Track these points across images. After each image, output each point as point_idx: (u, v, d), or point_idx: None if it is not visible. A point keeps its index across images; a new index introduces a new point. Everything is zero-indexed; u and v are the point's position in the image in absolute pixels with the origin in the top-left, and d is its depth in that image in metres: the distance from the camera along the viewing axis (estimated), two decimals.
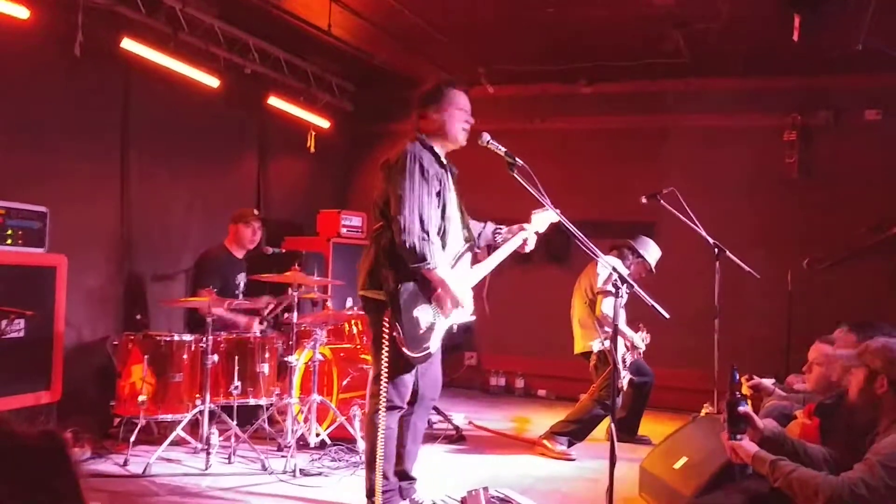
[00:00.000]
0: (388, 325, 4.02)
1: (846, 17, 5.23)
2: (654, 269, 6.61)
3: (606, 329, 6.26)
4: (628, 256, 6.55)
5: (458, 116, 4.32)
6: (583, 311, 6.59)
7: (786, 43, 5.75)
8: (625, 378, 6.33)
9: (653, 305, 3.82)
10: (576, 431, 6.25)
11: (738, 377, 3.43)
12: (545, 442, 6.23)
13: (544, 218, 4.56)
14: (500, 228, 4.62)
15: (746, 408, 3.39)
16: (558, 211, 4.18)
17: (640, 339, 6.50)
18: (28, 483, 1.25)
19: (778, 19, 5.69)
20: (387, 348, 4.04)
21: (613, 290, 3.75)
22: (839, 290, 7.79)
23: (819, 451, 3.49)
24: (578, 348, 6.65)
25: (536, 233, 4.61)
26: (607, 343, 6.26)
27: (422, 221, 4.03)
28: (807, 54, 7.21)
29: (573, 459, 6.07)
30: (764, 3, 5.73)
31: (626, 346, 6.41)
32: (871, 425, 3.26)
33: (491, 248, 4.60)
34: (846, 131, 8.24)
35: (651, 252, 6.60)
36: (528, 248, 4.59)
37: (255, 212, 6.90)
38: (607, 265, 4.15)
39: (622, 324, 6.34)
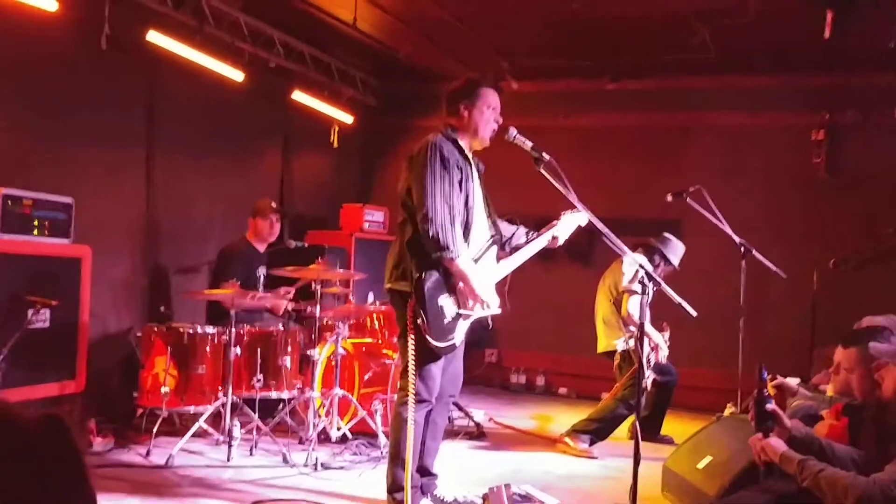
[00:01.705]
0: (412, 314, 4.01)
1: (880, 13, 5.16)
2: (677, 267, 6.55)
3: (631, 328, 6.21)
4: (654, 258, 6.49)
5: (488, 115, 4.32)
6: (607, 309, 6.54)
7: (814, 40, 5.70)
8: (649, 378, 6.28)
9: (680, 303, 3.79)
10: (598, 430, 6.21)
11: (765, 375, 3.39)
12: (567, 440, 6.20)
13: (573, 220, 4.55)
14: (532, 232, 4.61)
15: (773, 406, 3.35)
16: (584, 206, 4.15)
17: (663, 339, 6.46)
18: (29, 470, 1.23)
19: (807, 16, 5.63)
20: (413, 338, 4.03)
21: (640, 289, 3.72)
22: (865, 290, 7.68)
23: (847, 451, 3.44)
24: (602, 347, 6.60)
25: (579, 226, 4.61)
26: (632, 342, 6.22)
27: (444, 211, 4.03)
28: (836, 52, 7.14)
29: (595, 458, 6.04)
30: None
31: (650, 345, 6.36)
32: None
33: (519, 248, 4.57)
34: (875, 131, 8.13)
35: (676, 251, 6.55)
36: (559, 243, 4.58)
37: (273, 204, 6.89)
38: (634, 262, 4.12)
39: (647, 324, 6.29)
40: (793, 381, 4.97)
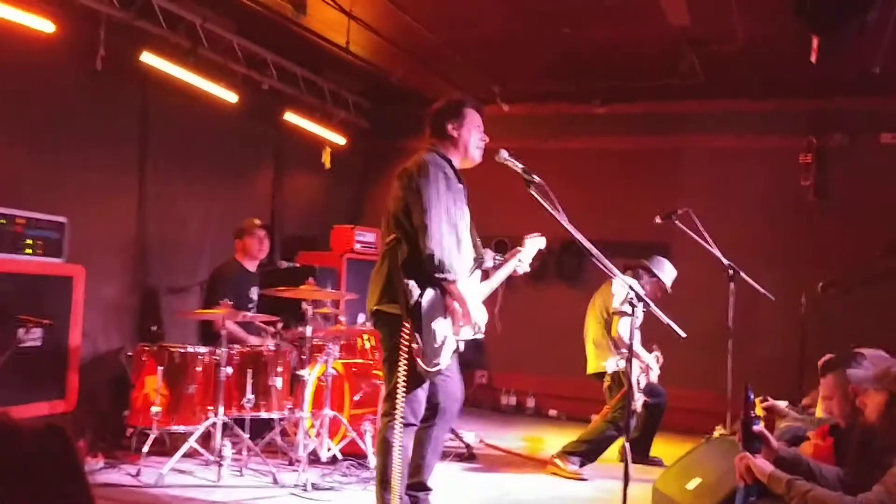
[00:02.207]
0: (407, 336, 3.99)
1: (865, 39, 5.24)
2: (669, 290, 6.59)
3: (622, 350, 6.24)
4: (643, 276, 6.54)
5: (475, 134, 4.38)
6: (597, 331, 6.56)
7: (802, 65, 5.77)
8: (639, 400, 6.31)
9: (669, 324, 3.82)
10: (588, 452, 6.22)
11: (752, 396, 3.43)
12: (557, 461, 6.21)
13: (535, 244, 4.62)
14: (498, 257, 4.63)
15: (761, 427, 3.39)
16: (574, 228, 4.19)
17: (654, 360, 6.49)
18: (29, 478, 1.26)
19: (793, 41, 5.71)
20: (406, 360, 4.00)
21: (629, 310, 3.75)
22: (853, 313, 7.75)
23: (834, 471, 3.48)
24: (592, 369, 6.62)
25: (540, 250, 4.64)
26: (622, 364, 6.25)
27: (448, 233, 4.04)
28: (823, 76, 7.23)
29: (585, 479, 6.05)
30: (780, 24, 5.75)
31: (640, 367, 6.39)
32: (889, 448, 3.25)
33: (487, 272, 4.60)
34: (862, 154, 8.24)
35: (667, 272, 6.59)
36: (521, 271, 4.61)
37: (257, 221, 6.89)
38: (624, 283, 4.15)
39: (637, 345, 6.32)
40: (782, 404, 5.02)
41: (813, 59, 5.37)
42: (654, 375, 6.57)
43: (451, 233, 4.06)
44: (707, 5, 6.34)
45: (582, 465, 6.17)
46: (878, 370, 3.33)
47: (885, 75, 6.46)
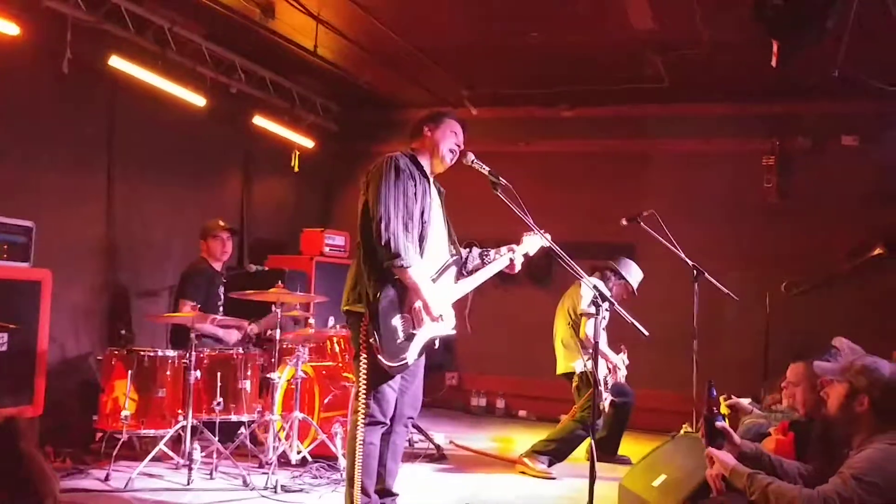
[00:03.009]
0: (365, 333, 4.04)
1: (824, 44, 5.35)
2: (636, 292, 6.68)
3: (589, 350, 6.31)
4: (610, 278, 6.61)
5: (450, 137, 4.44)
6: (566, 332, 6.62)
7: (765, 69, 5.87)
8: (606, 400, 6.39)
9: (633, 323, 3.89)
10: (557, 451, 6.29)
11: (714, 393, 3.51)
12: (526, 460, 6.27)
13: (535, 241, 4.65)
14: (487, 251, 4.68)
15: (723, 423, 3.46)
16: (543, 231, 4.27)
17: (622, 361, 6.57)
18: None
19: (755, 46, 5.81)
20: (365, 358, 4.05)
21: (595, 310, 3.82)
22: (816, 313, 7.91)
23: (795, 465, 3.57)
24: (561, 369, 6.68)
25: (526, 254, 4.68)
26: (590, 365, 6.32)
27: (397, 218, 4.08)
28: (785, 81, 7.36)
29: (553, 478, 6.11)
30: (743, 29, 5.85)
31: (608, 367, 6.46)
32: (847, 440, 3.33)
33: (477, 269, 4.64)
34: (824, 157, 8.39)
35: (633, 273, 6.68)
36: (515, 270, 4.66)
37: (221, 222, 6.87)
38: (590, 285, 4.22)
39: (604, 346, 6.41)
40: (745, 401, 5.11)
41: (773, 63, 5.47)
42: (622, 375, 6.65)
43: (398, 220, 4.09)
44: (671, 12, 6.44)
45: (551, 464, 6.24)
46: (844, 362, 3.41)
47: (846, 79, 6.58)
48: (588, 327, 6.29)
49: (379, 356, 4.02)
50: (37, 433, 1.62)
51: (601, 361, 6.31)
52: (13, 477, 1.44)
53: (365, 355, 4.07)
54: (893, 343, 6.19)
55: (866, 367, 3.27)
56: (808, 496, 3.07)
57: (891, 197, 7.83)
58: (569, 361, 6.58)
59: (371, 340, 4.01)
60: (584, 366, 6.40)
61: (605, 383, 6.39)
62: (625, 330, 3.91)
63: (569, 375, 6.60)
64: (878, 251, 8.00)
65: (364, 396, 4.09)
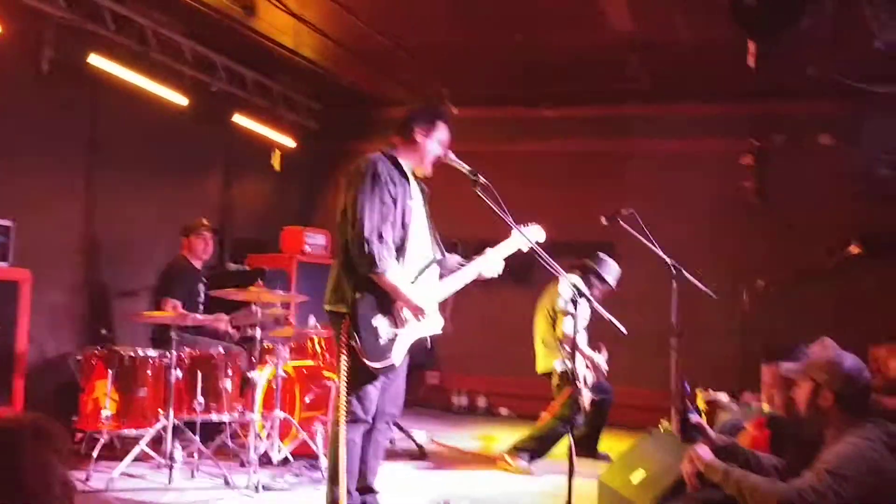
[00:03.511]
0: (346, 335, 4.05)
1: (800, 44, 5.42)
2: (615, 286, 6.72)
3: (568, 348, 6.35)
4: (590, 278, 6.65)
5: (437, 149, 4.43)
6: (546, 330, 6.66)
7: (742, 69, 5.94)
8: (586, 397, 6.43)
9: (610, 320, 3.93)
10: (537, 448, 6.32)
11: (688, 388, 3.55)
12: (507, 457, 6.31)
13: (531, 233, 4.62)
14: (465, 263, 4.66)
15: (697, 417, 3.50)
16: (520, 228, 4.30)
17: (602, 358, 6.62)
18: None
19: (735, 46, 5.88)
20: (346, 359, 4.06)
21: (573, 308, 3.85)
22: (794, 310, 7.98)
23: (769, 460, 3.62)
24: (541, 368, 6.71)
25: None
26: (569, 363, 6.36)
27: (373, 225, 4.08)
28: (763, 80, 7.43)
29: (533, 475, 6.15)
30: (721, 30, 5.91)
31: (587, 365, 6.50)
32: (819, 436, 3.38)
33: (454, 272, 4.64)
34: (801, 155, 8.47)
35: (611, 270, 6.72)
36: (492, 273, 4.63)
37: (205, 221, 6.87)
38: (569, 283, 4.25)
39: (584, 344, 6.45)
40: (723, 397, 5.17)
41: (751, 63, 5.53)
42: (601, 373, 6.69)
43: (374, 226, 4.09)
44: (650, 13, 6.50)
45: (531, 460, 6.27)
46: (807, 361, 3.45)
47: (822, 79, 6.67)
48: (566, 324, 6.33)
49: (364, 359, 4.03)
50: (64, 442, 1.64)
51: (580, 359, 6.35)
52: (11, 485, 1.49)
53: (347, 356, 4.07)
54: (869, 340, 6.29)
55: (826, 361, 3.32)
56: (783, 490, 3.11)
57: (867, 195, 7.91)
58: (549, 360, 6.61)
59: (353, 343, 4.02)
60: (564, 364, 6.43)
61: (585, 381, 6.43)
62: (604, 327, 3.94)
63: (549, 374, 6.64)
64: (854, 249, 8.08)
65: (346, 395, 4.10)
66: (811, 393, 3.29)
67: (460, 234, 7.66)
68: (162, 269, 6.76)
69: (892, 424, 3.24)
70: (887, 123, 7.33)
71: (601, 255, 6.82)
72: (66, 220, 6.65)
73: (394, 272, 4.13)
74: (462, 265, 4.60)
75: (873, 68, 6.62)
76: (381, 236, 4.11)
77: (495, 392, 9.38)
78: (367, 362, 4.05)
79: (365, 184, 4.13)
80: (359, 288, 4.08)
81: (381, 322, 4.12)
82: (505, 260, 4.72)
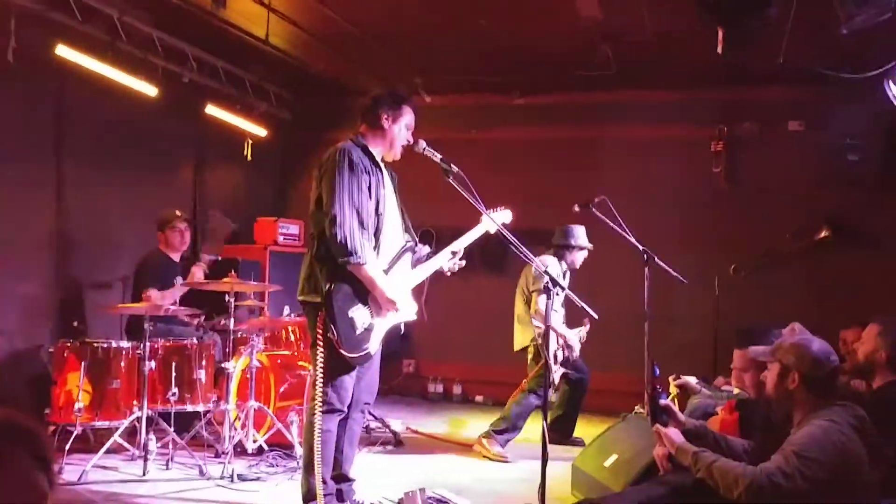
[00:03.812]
0: (322, 326, 4.06)
1: (768, 31, 5.46)
2: (589, 245, 6.81)
3: (540, 324, 6.43)
4: (564, 254, 6.74)
5: (405, 133, 4.44)
6: (521, 308, 6.75)
7: (711, 56, 5.97)
8: (557, 373, 6.51)
9: (582, 306, 3.97)
10: (511, 425, 6.44)
11: (658, 372, 3.60)
12: (484, 442, 6.38)
13: (499, 217, 4.68)
14: (433, 253, 4.69)
15: (667, 401, 3.55)
16: (491, 213, 4.33)
17: (577, 336, 6.67)
18: None
19: (701, 33, 5.91)
20: (322, 350, 4.07)
21: (545, 289, 3.90)
22: (764, 294, 8.09)
23: (739, 443, 3.67)
24: (517, 345, 6.80)
25: (486, 232, 4.71)
26: (540, 339, 6.44)
27: (352, 215, 4.08)
28: (732, 67, 7.48)
29: (508, 461, 6.21)
30: (689, 17, 5.94)
31: (558, 343, 6.57)
32: (788, 419, 3.44)
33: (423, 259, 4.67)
34: (771, 141, 8.57)
35: (578, 235, 6.83)
36: (451, 263, 4.64)
37: (178, 213, 6.84)
38: (541, 268, 4.29)
39: (558, 323, 6.53)
40: (693, 380, 5.23)
41: (719, 50, 5.57)
42: (576, 350, 6.75)
43: (352, 217, 4.08)
44: (619, 0, 6.52)
45: (506, 441, 6.38)
46: (775, 344, 3.51)
47: (791, 65, 6.71)
48: (540, 302, 6.40)
49: (340, 350, 4.04)
50: (41, 442, 1.57)
51: (553, 336, 6.44)
52: None
53: (323, 347, 4.07)
54: (839, 323, 6.39)
55: (793, 344, 3.37)
56: (752, 473, 3.16)
57: (835, 181, 8.01)
58: (524, 336, 6.72)
59: (329, 335, 4.02)
60: (538, 339, 6.50)
61: (556, 357, 6.51)
62: (579, 312, 3.97)
63: (525, 350, 6.72)
64: (823, 234, 8.20)
65: (322, 385, 4.11)
66: (779, 376, 3.35)
67: (435, 222, 7.68)
68: (136, 264, 6.72)
69: (860, 407, 3.31)
70: (853, 109, 7.41)
71: (563, 226, 6.87)
72: (35, 211, 6.59)
73: (372, 264, 4.14)
74: (430, 256, 4.63)
75: (840, 54, 6.68)
76: (360, 227, 4.11)
77: (471, 379, 9.42)
78: (344, 353, 4.06)
79: (342, 173, 4.12)
80: (333, 278, 4.08)
81: (357, 312, 4.13)
82: (480, 248, 4.75)
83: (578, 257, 6.78)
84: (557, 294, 4.12)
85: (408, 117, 4.46)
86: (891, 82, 6.72)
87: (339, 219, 4.04)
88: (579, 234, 6.84)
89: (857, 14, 5.01)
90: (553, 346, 6.46)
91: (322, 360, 4.08)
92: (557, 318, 6.58)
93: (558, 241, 6.79)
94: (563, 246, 6.76)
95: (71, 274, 6.91)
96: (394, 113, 4.40)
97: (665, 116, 8.72)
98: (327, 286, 4.05)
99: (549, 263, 6.46)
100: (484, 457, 6.31)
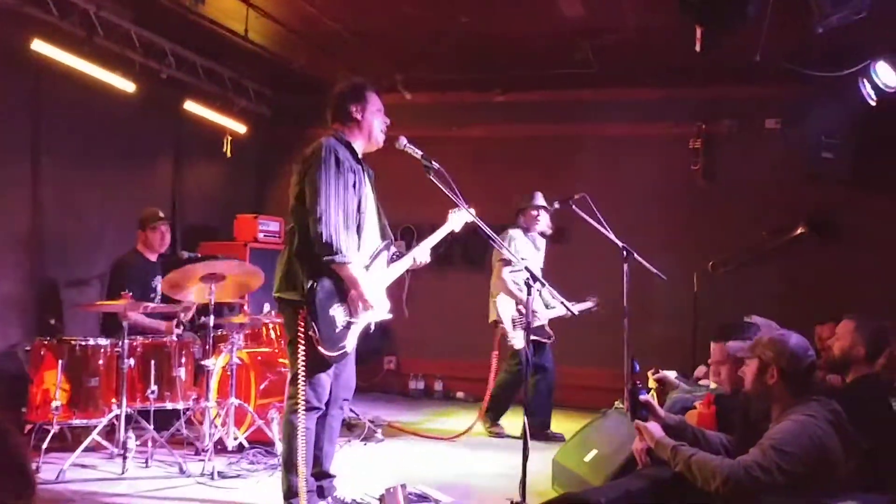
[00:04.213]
0: (303, 325, 4.03)
1: (746, 29, 5.50)
2: (549, 205, 6.96)
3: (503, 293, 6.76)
4: (520, 218, 6.96)
5: (378, 116, 4.43)
6: (493, 282, 6.92)
7: (689, 54, 6.01)
8: (516, 339, 6.66)
9: (562, 303, 3.98)
10: (498, 406, 6.95)
11: (637, 367, 3.63)
12: (488, 416, 6.97)
13: (461, 217, 4.68)
14: (404, 253, 4.68)
15: (646, 396, 3.58)
16: (473, 210, 4.34)
17: (580, 310, 6.75)
18: None
19: (680, 31, 5.95)
20: (303, 348, 4.05)
21: (511, 259, 3.96)
22: (742, 291, 8.15)
23: (717, 437, 3.71)
24: (491, 317, 6.96)
25: (452, 232, 4.73)
26: (500, 306, 6.74)
27: (338, 214, 4.05)
28: (710, 65, 7.53)
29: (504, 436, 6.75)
30: (668, 15, 5.98)
31: (517, 309, 6.71)
32: (766, 413, 3.48)
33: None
34: (748, 139, 8.63)
35: (536, 197, 7.01)
36: (420, 259, 4.62)
37: (160, 214, 6.80)
38: (519, 266, 4.31)
39: (513, 287, 6.67)
40: (671, 375, 5.27)
41: (697, 48, 5.61)
42: (544, 319, 6.82)
43: (338, 215, 4.06)
44: None
45: (496, 417, 6.89)
46: (754, 340, 3.55)
47: (768, 64, 6.77)
48: (504, 272, 6.64)
49: (319, 348, 4.03)
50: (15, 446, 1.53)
51: (510, 303, 6.74)
52: None
53: (302, 344, 4.04)
54: (816, 318, 6.45)
55: (772, 339, 3.41)
56: (730, 466, 3.20)
57: (812, 178, 8.08)
58: (492, 309, 6.91)
59: (311, 333, 4.00)
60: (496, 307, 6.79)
61: (513, 323, 6.69)
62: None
63: (497, 323, 6.90)
64: (800, 230, 8.28)
65: (301, 384, 4.09)
66: (757, 370, 3.39)
67: (414, 219, 7.69)
68: (112, 265, 6.67)
69: (836, 402, 3.35)
70: (829, 107, 7.48)
71: (524, 195, 7.02)
72: (10, 208, 6.53)
73: (356, 265, 4.13)
74: (403, 254, 4.62)
75: (816, 53, 6.74)
76: (345, 225, 4.09)
77: (452, 376, 9.43)
78: (323, 351, 4.04)
79: (328, 170, 4.08)
80: (314, 275, 4.05)
81: (336, 311, 4.12)
82: (461, 246, 4.77)
83: (541, 221, 6.96)
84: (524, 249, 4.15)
85: (375, 102, 4.44)
86: (865, 80, 6.79)
87: (324, 217, 4.01)
88: (535, 195, 7.03)
89: (832, 13, 5.05)
90: (511, 310, 6.70)
91: (302, 358, 4.06)
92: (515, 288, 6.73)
93: (516, 207, 7.01)
94: (519, 211, 6.95)
95: (47, 271, 6.85)
96: (361, 102, 4.38)
97: (644, 114, 8.78)
98: (310, 284, 4.03)
99: (516, 236, 6.78)
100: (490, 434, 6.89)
